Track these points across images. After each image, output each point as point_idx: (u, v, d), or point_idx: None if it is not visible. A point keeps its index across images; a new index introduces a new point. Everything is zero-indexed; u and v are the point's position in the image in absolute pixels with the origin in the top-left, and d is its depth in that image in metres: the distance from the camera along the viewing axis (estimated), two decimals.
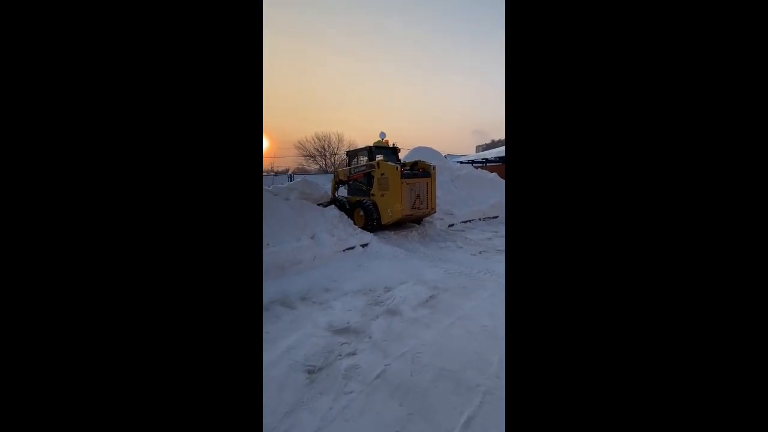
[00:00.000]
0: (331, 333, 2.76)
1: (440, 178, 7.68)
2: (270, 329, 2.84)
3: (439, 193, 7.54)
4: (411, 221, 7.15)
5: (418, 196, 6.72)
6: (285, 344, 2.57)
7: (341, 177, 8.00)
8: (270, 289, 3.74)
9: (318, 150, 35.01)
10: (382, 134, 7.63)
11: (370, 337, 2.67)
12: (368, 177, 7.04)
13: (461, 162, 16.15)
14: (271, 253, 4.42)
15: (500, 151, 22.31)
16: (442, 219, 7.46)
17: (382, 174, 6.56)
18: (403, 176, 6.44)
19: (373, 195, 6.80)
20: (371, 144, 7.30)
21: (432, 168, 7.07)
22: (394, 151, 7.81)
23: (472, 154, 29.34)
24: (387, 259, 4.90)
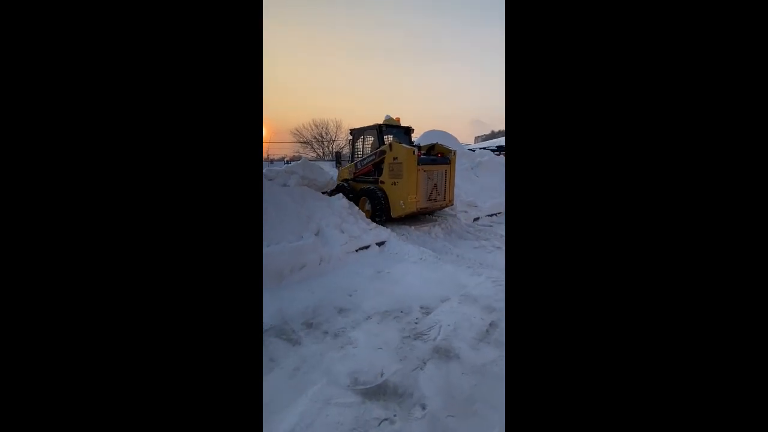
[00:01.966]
0: (358, 396, 1.73)
1: (459, 165, 6.59)
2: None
3: (458, 181, 6.46)
4: (424, 214, 6.09)
5: (436, 186, 5.61)
6: (284, 426, 1.54)
7: (346, 176, 6.80)
8: (263, 308, 2.70)
9: (315, 137, 33.78)
10: (388, 117, 6.51)
11: (423, 407, 1.65)
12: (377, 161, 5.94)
13: (471, 150, 15.04)
14: (266, 255, 3.36)
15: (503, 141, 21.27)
16: (465, 212, 6.40)
17: (395, 158, 5.42)
18: (420, 162, 5.32)
19: (382, 182, 5.69)
20: (380, 122, 6.18)
21: (452, 153, 5.96)
22: (407, 131, 6.66)
23: (472, 144, 28.40)
24: (413, 263, 3.86)
